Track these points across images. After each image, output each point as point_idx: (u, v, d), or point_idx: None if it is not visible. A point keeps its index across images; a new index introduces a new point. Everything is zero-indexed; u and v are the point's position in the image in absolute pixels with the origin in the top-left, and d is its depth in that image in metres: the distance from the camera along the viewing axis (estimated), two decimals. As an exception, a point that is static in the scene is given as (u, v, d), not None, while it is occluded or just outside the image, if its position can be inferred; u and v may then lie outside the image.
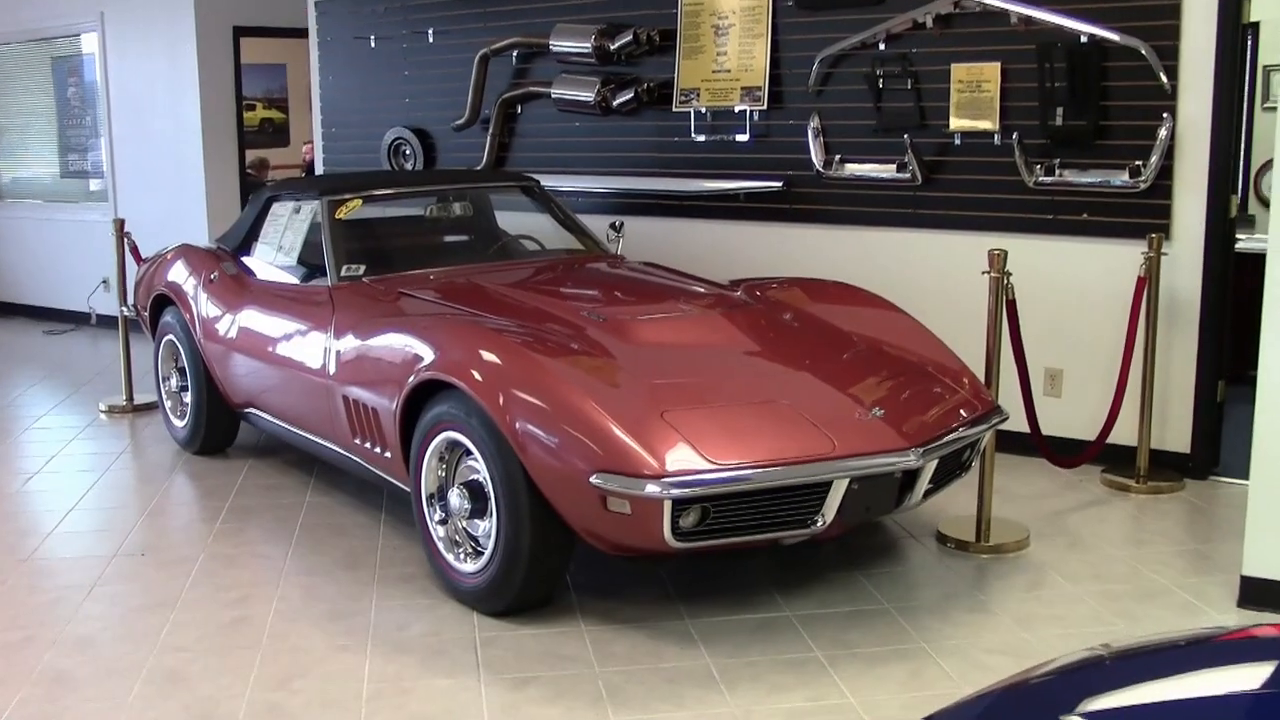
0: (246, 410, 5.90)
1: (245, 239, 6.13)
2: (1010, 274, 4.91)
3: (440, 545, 4.37)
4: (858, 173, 6.45)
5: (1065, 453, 5.51)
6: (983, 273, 4.93)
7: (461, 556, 4.31)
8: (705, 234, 6.97)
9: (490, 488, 4.11)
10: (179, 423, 6.36)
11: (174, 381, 6.39)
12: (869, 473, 3.99)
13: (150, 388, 7.38)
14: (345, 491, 5.64)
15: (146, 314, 6.63)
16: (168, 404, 6.48)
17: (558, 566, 4.19)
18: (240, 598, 4.46)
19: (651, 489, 3.70)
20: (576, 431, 3.84)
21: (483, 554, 4.23)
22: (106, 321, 10.04)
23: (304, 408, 5.27)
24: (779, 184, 6.67)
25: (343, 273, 5.34)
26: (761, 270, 6.42)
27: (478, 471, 4.22)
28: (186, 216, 9.25)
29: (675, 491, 3.70)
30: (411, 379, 4.39)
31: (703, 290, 5.14)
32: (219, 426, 6.19)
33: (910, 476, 4.14)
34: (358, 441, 4.88)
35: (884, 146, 6.35)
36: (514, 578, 4.09)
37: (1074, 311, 5.94)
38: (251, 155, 10.04)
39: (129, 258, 7.26)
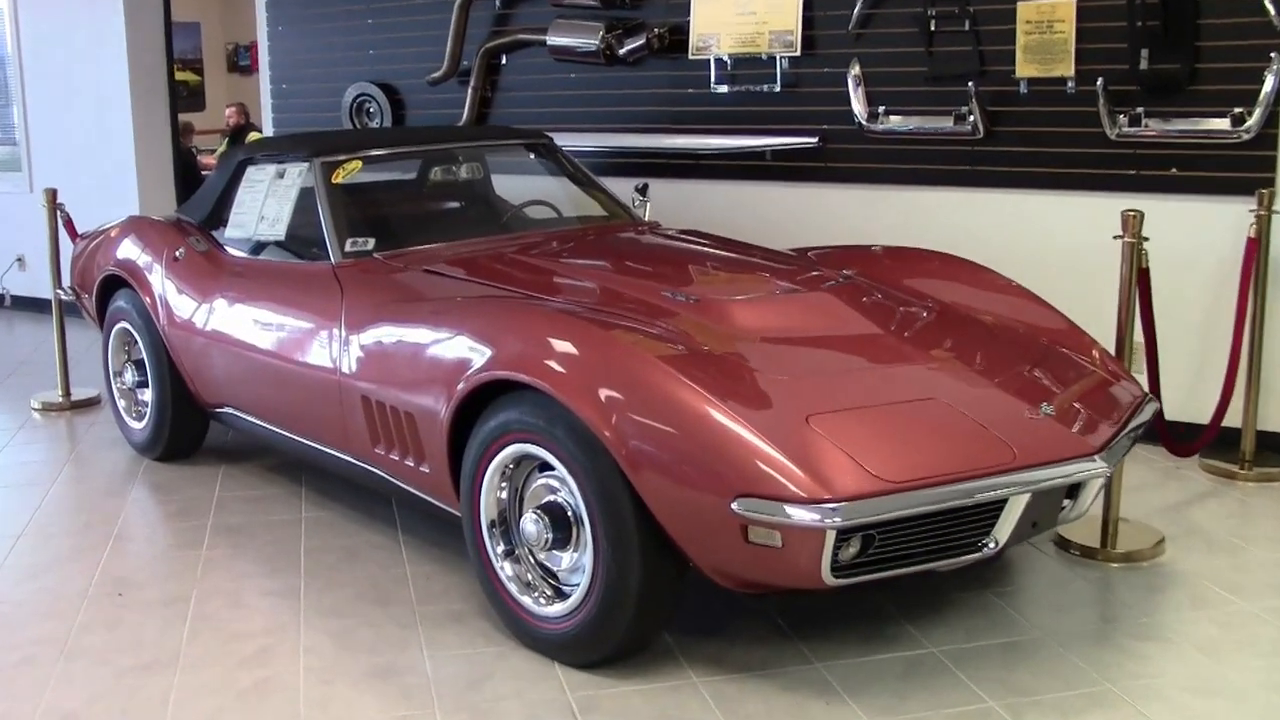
0: (221, 410, 5.00)
1: (214, 209, 5.21)
2: (1147, 239, 4.22)
3: (511, 587, 3.56)
4: (907, 126, 5.72)
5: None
6: (1114, 237, 4.25)
7: (540, 599, 3.50)
8: (725, 197, 6.22)
9: (583, 513, 3.32)
10: (136, 424, 5.44)
11: (129, 376, 5.45)
12: (1052, 485, 3.27)
13: (88, 380, 6.51)
14: (345, 503, 4.80)
15: (91, 298, 5.67)
16: (121, 403, 5.55)
17: (667, 608, 3.40)
18: (257, 651, 3.61)
19: (810, 516, 2.94)
20: (710, 446, 3.05)
21: (567, 594, 3.44)
22: (23, 304, 9.00)
23: (303, 409, 4.42)
24: (814, 140, 5.94)
25: (348, 248, 4.48)
26: (793, 237, 5.67)
27: (557, 491, 3.43)
28: (114, 187, 8.26)
29: (840, 519, 2.94)
30: (463, 380, 3.57)
31: (782, 264, 4.37)
32: (186, 429, 5.29)
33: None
34: (380, 451, 4.04)
35: (937, 96, 5.64)
36: (616, 624, 3.30)
37: (1159, 277, 5.27)
38: (175, 120, 9.02)
39: (63, 233, 6.26)
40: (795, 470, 2.98)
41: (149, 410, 5.31)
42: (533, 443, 3.42)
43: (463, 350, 3.63)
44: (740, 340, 3.55)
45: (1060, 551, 4.26)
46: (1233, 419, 5.06)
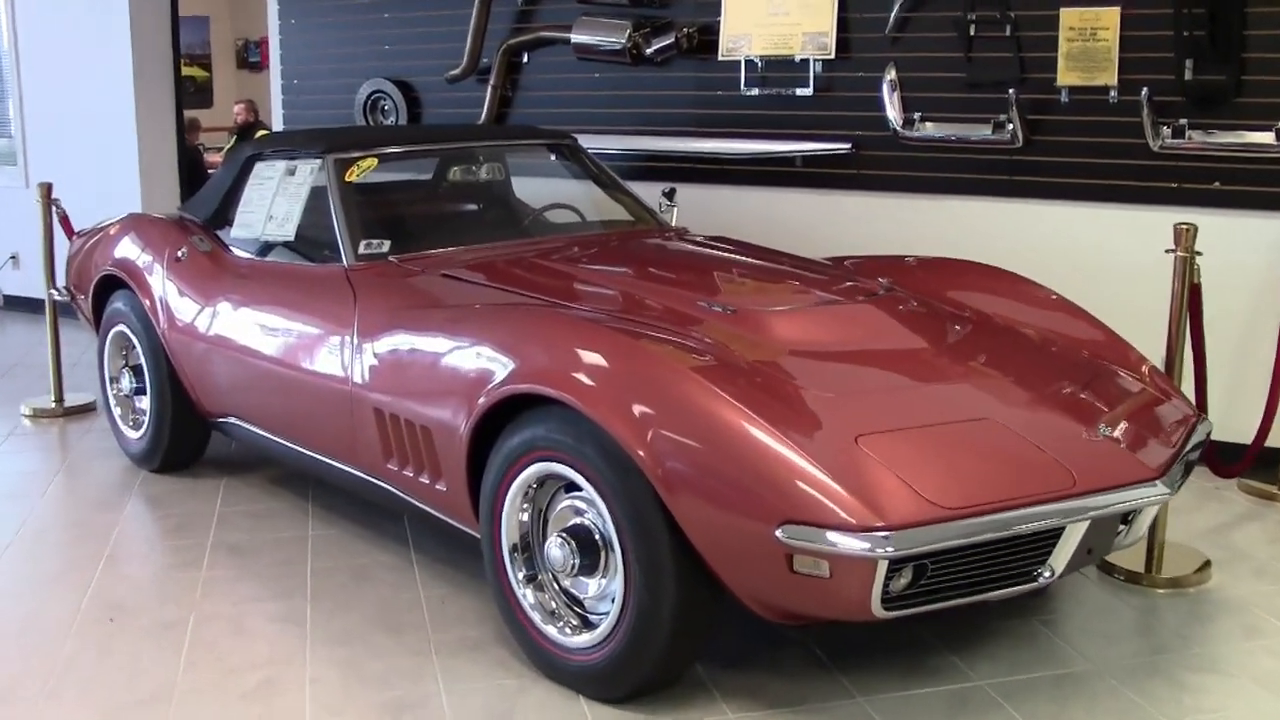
0: (223, 419, 4.78)
1: (220, 208, 4.98)
2: (1200, 253, 4.02)
3: (534, 616, 3.33)
4: (943, 134, 5.51)
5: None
6: (1167, 250, 4.06)
7: (565, 629, 3.28)
8: (754, 203, 6.00)
9: (612, 538, 3.10)
10: (133, 433, 5.21)
11: (125, 382, 5.23)
12: (1114, 511, 3.06)
13: (83, 386, 6.29)
14: (353, 519, 4.58)
15: (87, 300, 5.45)
16: (117, 410, 5.32)
17: (701, 639, 3.18)
18: (260, 683, 3.37)
19: (861, 545, 2.72)
20: (753, 468, 2.84)
21: (594, 624, 3.22)
22: (16, 304, 8.76)
23: (311, 420, 4.20)
24: (846, 146, 5.73)
25: (361, 250, 4.26)
26: (823, 246, 5.46)
27: (584, 513, 3.21)
28: (115, 184, 7.98)
29: (892, 548, 2.72)
30: (484, 394, 3.35)
31: (820, 274, 4.15)
32: (186, 439, 5.05)
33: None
34: (393, 467, 3.83)
35: (975, 103, 5.43)
36: (648, 655, 3.08)
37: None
38: (182, 116, 8.77)
39: (58, 230, 6.04)
40: (845, 495, 2.76)
41: (147, 419, 5.07)
42: (559, 461, 3.20)
43: (484, 361, 3.41)
44: (782, 354, 3.33)
45: (1104, 576, 4.06)
46: (1271, 439, 4.85)
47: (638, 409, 2.98)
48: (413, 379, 3.69)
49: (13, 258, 8.71)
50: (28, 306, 8.47)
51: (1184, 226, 4.02)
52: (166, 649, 3.57)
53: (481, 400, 3.35)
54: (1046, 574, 3.05)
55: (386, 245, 4.28)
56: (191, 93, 11.60)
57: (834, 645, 3.51)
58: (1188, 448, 3.44)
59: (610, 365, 3.13)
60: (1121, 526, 3.25)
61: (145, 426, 5.10)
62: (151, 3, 8.01)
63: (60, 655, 3.54)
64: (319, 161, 4.53)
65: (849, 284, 3.97)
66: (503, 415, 3.34)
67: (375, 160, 4.56)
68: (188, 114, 9.04)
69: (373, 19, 7.09)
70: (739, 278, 4.16)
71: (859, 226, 5.73)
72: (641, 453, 2.93)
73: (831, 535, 2.73)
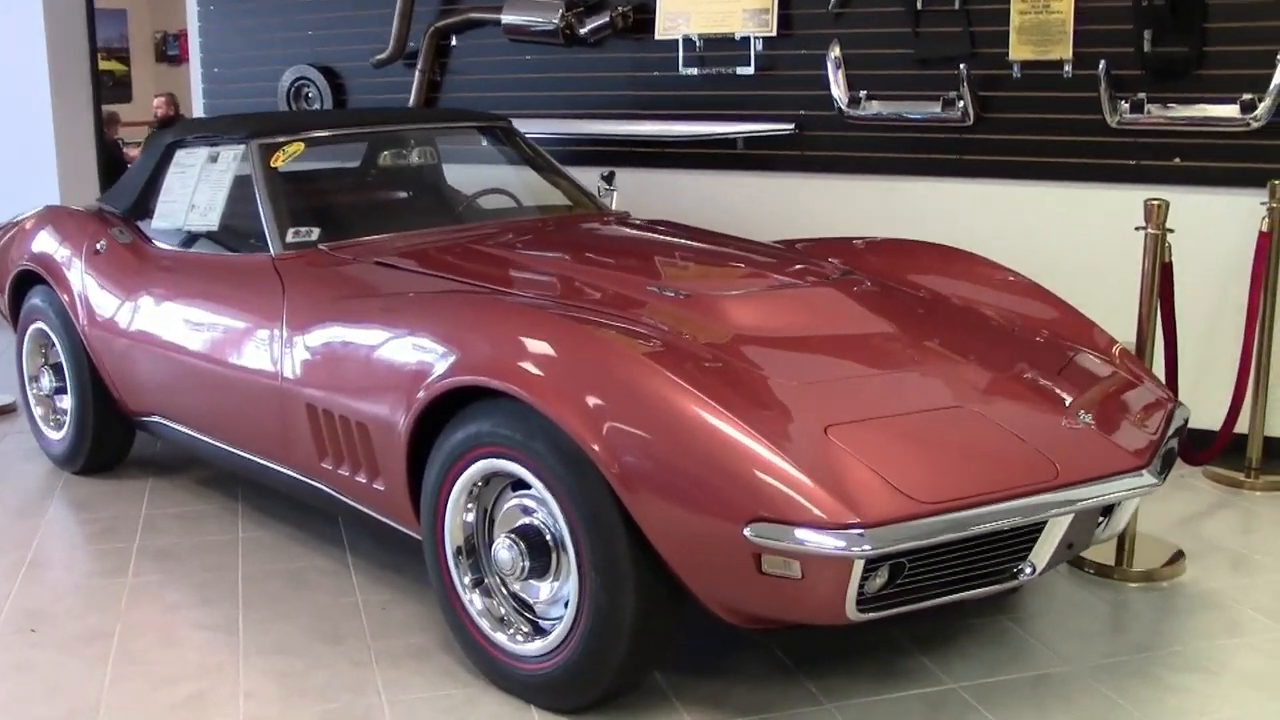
0: (148, 419, 4.54)
1: (140, 198, 4.75)
2: (1171, 230, 3.89)
3: (482, 623, 3.13)
4: (891, 112, 5.36)
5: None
6: (1137, 228, 3.93)
7: (516, 636, 3.08)
8: (695, 187, 5.85)
9: (565, 538, 2.91)
10: (54, 434, 4.97)
11: (45, 381, 4.98)
12: (1100, 503, 2.92)
13: (1, 386, 6.00)
14: (286, 520, 4.36)
15: (3, 296, 5.21)
16: (38, 411, 5.07)
17: (662, 645, 3.00)
18: (190, 696, 3.16)
19: (835, 543, 2.55)
20: (718, 462, 2.66)
21: (546, 630, 3.03)
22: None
23: (240, 418, 3.98)
24: (789, 126, 5.58)
25: (289, 238, 4.05)
26: (767, 230, 5.30)
27: (534, 513, 3.02)
28: (32, 179, 7.71)
29: (869, 546, 2.55)
30: (424, 388, 3.14)
31: (772, 257, 3.98)
32: (110, 439, 4.82)
33: (1106, 499, 3.07)
34: (328, 466, 3.61)
35: (924, 80, 5.29)
36: (605, 663, 2.89)
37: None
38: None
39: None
40: (817, 490, 2.59)
41: (68, 419, 4.85)
42: (506, 458, 3.00)
43: (422, 353, 3.21)
44: (741, 340, 3.16)
45: (1074, 570, 3.92)
46: (1239, 425, 4.75)
47: (591, 400, 2.79)
48: (347, 373, 3.48)
49: (-76, 255, 8.36)
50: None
51: (1155, 202, 3.89)
52: (92, 661, 3.36)
53: (421, 394, 3.15)
54: (1027, 570, 2.90)
55: (315, 233, 4.08)
56: (110, 87, 11.30)
57: (800, 649, 3.35)
58: (1168, 434, 3.30)
59: (559, 354, 2.94)
60: (1101, 519, 3.10)
61: (66, 427, 4.88)
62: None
63: (-25, 673, 3.31)
64: (242, 147, 4.32)
65: (802, 267, 3.80)
66: (444, 409, 3.15)
67: (301, 145, 4.35)
68: (106, 108, 8.79)
69: (294, 3, 6.89)
70: (688, 262, 3.98)
71: (805, 209, 5.59)
72: (596, 447, 2.75)
73: (803, 533, 2.56)
